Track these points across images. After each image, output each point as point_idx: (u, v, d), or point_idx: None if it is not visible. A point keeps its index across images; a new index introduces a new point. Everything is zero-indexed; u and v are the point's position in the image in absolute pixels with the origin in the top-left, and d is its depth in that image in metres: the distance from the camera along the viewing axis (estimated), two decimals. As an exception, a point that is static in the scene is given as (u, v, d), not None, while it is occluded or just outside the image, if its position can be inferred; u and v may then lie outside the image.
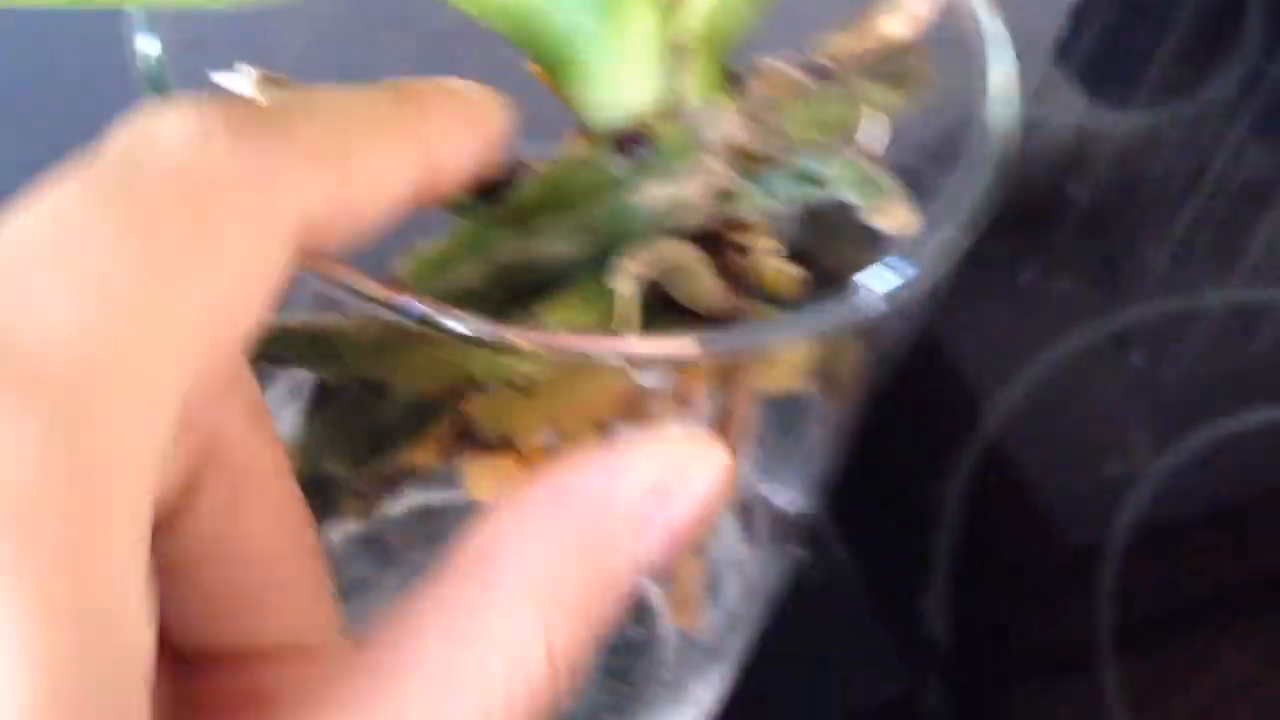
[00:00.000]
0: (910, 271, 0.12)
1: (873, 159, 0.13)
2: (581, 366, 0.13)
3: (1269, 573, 0.33)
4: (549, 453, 0.15)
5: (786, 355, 0.15)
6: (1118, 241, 0.39)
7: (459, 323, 0.11)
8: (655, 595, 0.22)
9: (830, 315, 0.12)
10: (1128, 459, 0.34)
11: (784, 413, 0.18)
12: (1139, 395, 0.36)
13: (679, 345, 0.12)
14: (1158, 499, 0.33)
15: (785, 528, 0.20)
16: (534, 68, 0.14)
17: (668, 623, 0.22)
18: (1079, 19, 0.45)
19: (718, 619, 0.21)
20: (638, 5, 0.13)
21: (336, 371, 0.13)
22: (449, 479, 0.16)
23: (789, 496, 0.20)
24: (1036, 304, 0.37)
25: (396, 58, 0.14)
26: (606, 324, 0.13)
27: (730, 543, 0.20)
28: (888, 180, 0.12)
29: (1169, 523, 0.33)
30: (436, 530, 0.19)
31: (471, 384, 0.13)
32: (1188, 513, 0.34)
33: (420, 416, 0.13)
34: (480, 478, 0.16)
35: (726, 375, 0.14)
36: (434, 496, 0.21)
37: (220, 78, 0.13)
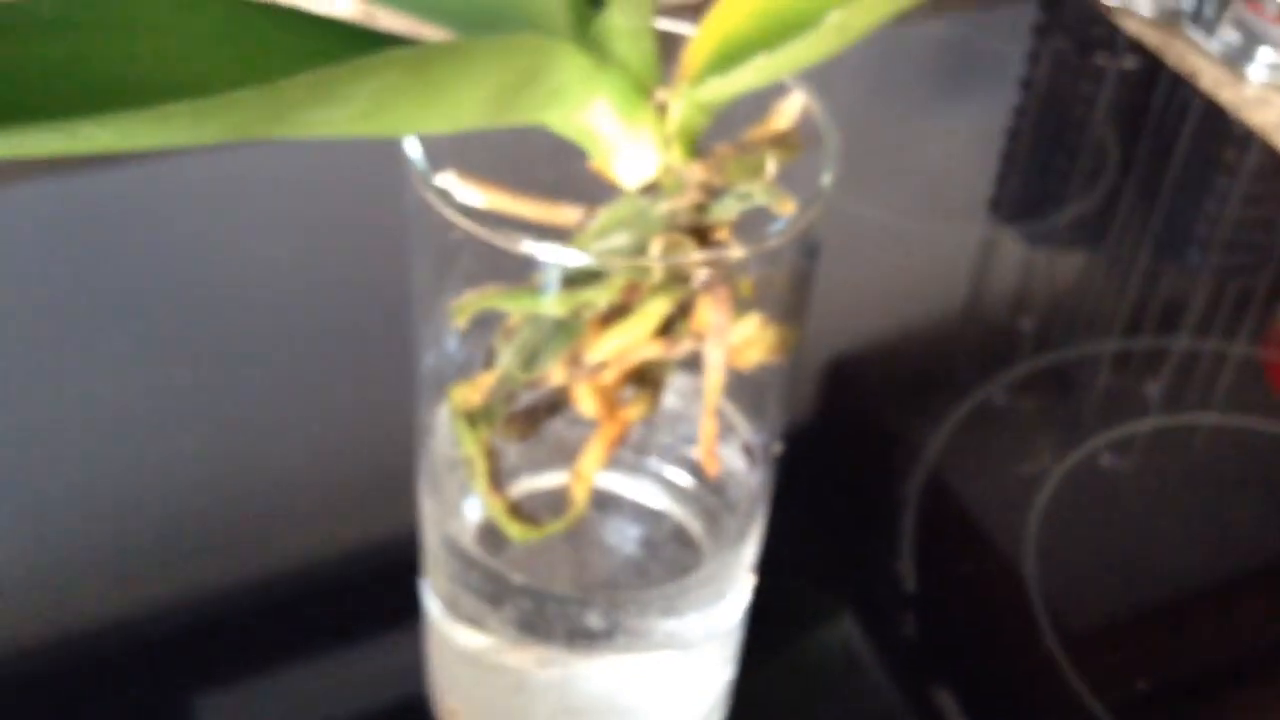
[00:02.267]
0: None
1: (773, 183, 0.25)
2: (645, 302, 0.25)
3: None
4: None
5: (752, 335, 0.28)
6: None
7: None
8: (695, 528, 0.34)
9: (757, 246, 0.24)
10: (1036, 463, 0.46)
11: (757, 382, 0.30)
12: (1045, 421, 0.48)
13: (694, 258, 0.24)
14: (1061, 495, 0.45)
15: (767, 454, 0.32)
16: (593, 162, 0.27)
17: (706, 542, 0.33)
18: (1003, 178, 0.59)
19: (735, 519, 0.32)
20: (645, 120, 0.25)
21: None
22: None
23: (766, 433, 0.31)
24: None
25: (522, 153, 0.27)
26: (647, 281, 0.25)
27: (740, 468, 0.32)
28: (780, 191, 0.25)
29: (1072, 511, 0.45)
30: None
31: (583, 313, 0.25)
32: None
33: (558, 339, 0.25)
34: (585, 396, 0.27)
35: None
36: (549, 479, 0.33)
37: (440, 179, 0.25)
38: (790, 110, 0.27)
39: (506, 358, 0.25)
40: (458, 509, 0.32)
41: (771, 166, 0.26)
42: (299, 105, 0.19)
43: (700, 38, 0.26)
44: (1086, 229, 0.58)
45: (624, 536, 0.33)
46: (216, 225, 0.52)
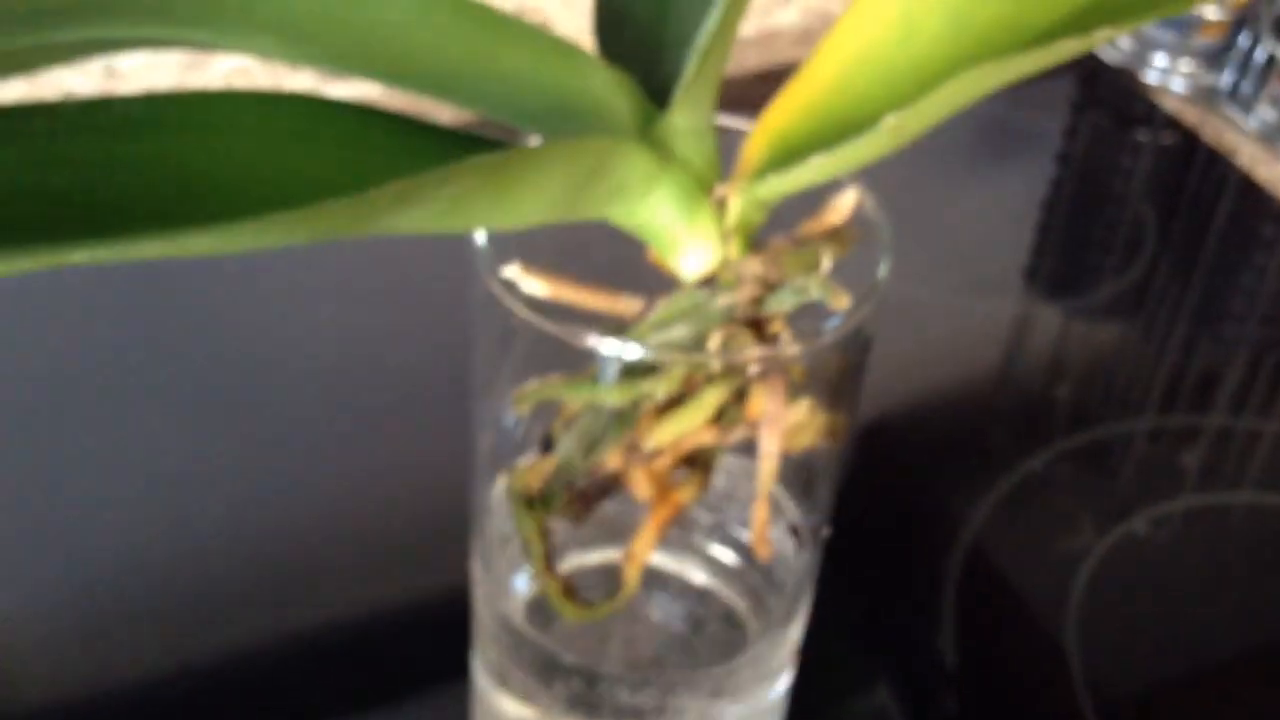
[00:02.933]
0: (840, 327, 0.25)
1: (828, 278, 0.26)
2: (701, 391, 0.25)
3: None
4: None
5: (804, 420, 0.28)
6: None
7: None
8: (742, 607, 0.34)
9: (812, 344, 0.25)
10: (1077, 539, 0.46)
11: (807, 466, 0.31)
12: (1083, 497, 0.48)
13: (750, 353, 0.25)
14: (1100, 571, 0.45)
15: (816, 536, 0.32)
16: (652, 254, 0.27)
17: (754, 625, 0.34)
18: (1040, 252, 0.60)
19: (781, 600, 0.33)
20: (704, 216, 0.26)
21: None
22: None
23: (816, 518, 0.32)
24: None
25: (585, 247, 0.28)
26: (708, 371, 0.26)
27: (788, 550, 0.32)
28: (835, 286, 0.25)
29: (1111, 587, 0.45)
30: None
31: (640, 405, 0.26)
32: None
33: (616, 427, 0.26)
34: (639, 481, 0.28)
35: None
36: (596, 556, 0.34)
37: (505, 271, 0.26)
38: (844, 206, 0.27)
39: (567, 446, 0.26)
40: (509, 585, 0.33)
41: (826, 261, 0.27)
42: (384, 211, 0.20)
43: (757, 135, 0.27)
44: (1124, 303, 0.58)
45: (672, 615, 0.33)
46: (278, 295, 0.53)
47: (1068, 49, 0.25)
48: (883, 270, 0.26)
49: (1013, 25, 0.28)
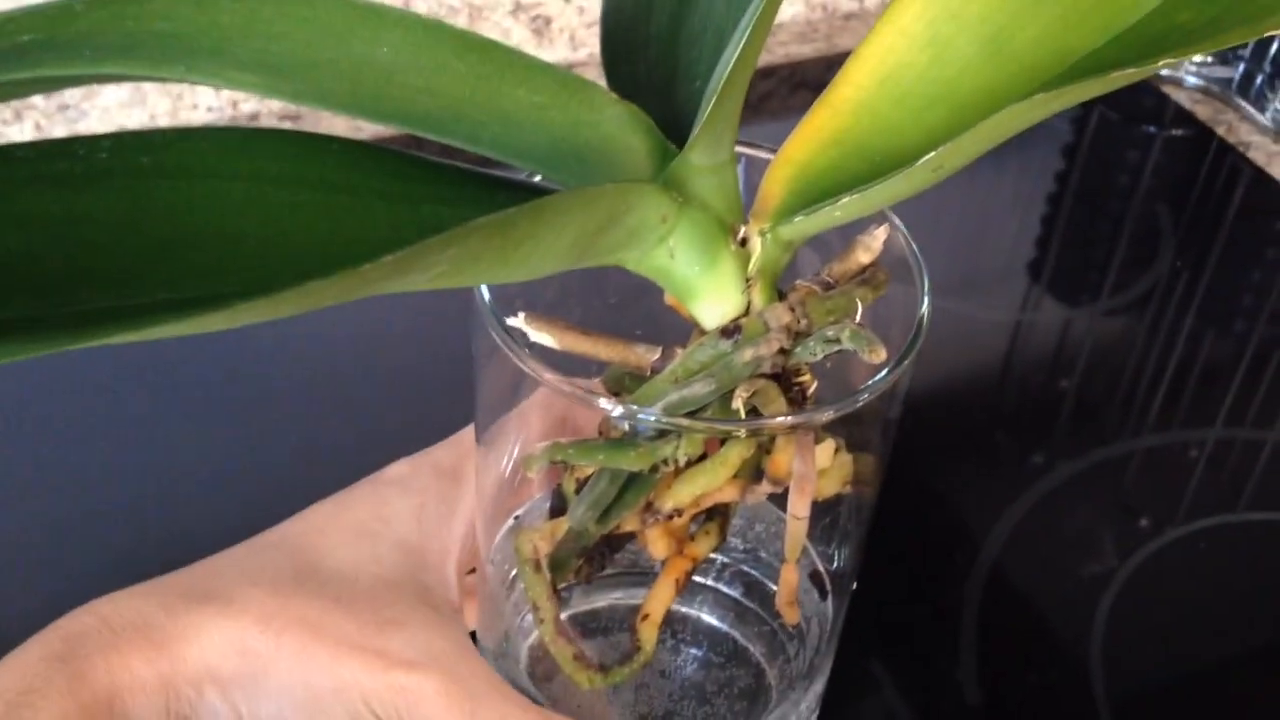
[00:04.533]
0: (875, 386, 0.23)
1: (862, 325, 0.24)
2: (724, 448, 0.23)
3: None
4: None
5: (830, 466, 0.26)
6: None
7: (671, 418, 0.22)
8: (760, 655, 0.32)
9: (845, 403, 0.23)
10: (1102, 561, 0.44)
11: (832, 511, 0.29)
12: (1107, 515, 0.46)
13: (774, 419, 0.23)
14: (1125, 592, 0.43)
15: (841, 585, 0.30)
16: (670, 299, 0.25)
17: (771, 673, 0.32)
18: (1044, 246, 0.57)
19: (807, 652, 0.31)
20: (725, 260, 0.24)
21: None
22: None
23: (841, 566, 0.30)
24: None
25: (600, 295, 0.26)
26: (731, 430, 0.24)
27: (812, 599, 0.30)
28: (871, 335, 0.23)
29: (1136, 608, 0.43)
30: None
31: (656, 469, 0.24)
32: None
33: (632, 491, 0.24)
34: (656, 540, 0.26)
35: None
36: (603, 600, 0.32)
37: (511, 320, 0.24)
38: (874, 245, 0.25)
39: (581, 511, 0.24)
40: (512, 636, 0.31)
41: (859, 307, 0.25)
42: (386, 278, 0.18)
43: (778, 168, 0.25)
44: (1135, 301, 0.56)
45: (687, 664, 0.32)
46: (277, 334, 0.51)
47: (1123, 78, 0.23)
48: (923, 316, 0.24)
49: (1055, 49, 0.26)
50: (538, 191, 0.25)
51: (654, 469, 0.23)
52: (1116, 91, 0.77)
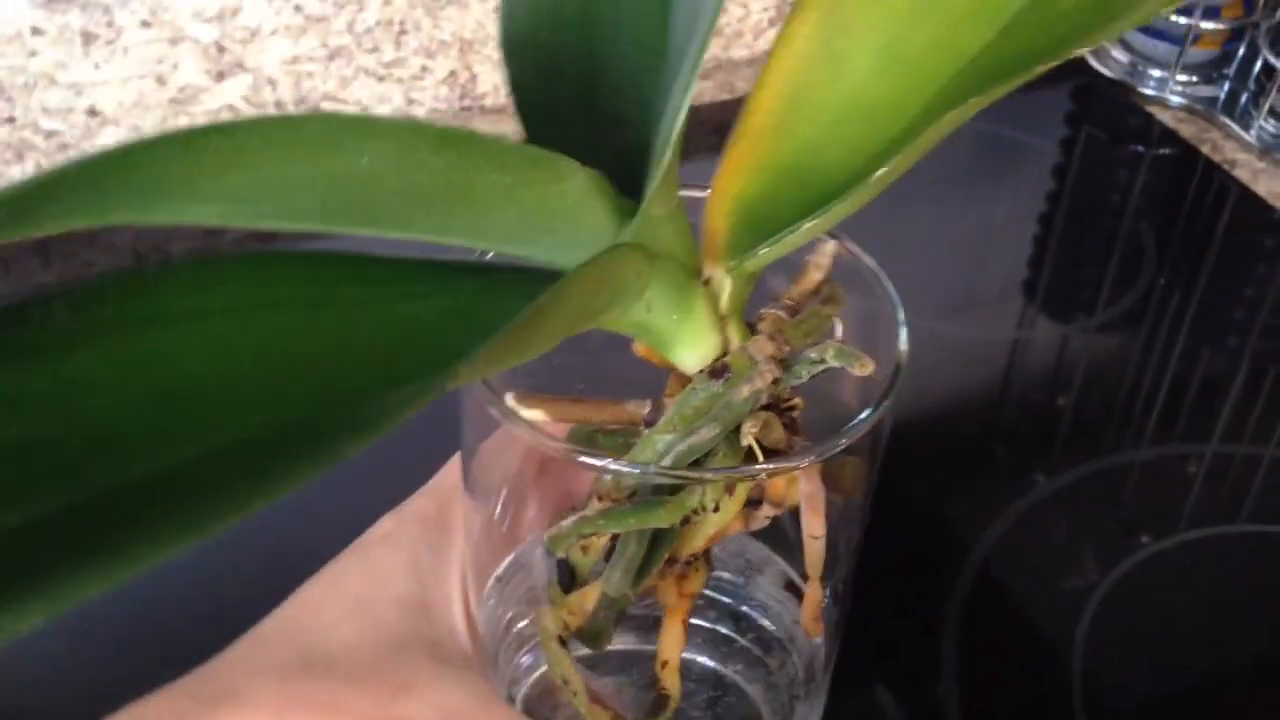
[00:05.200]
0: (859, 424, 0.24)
1: (844, 341, 0.24)
2: (733, 493, 0.24)
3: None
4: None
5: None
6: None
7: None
8: (760, 695, 0.33)
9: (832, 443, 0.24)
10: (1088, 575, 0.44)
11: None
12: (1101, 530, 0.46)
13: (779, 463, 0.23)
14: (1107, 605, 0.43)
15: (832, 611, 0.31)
16: (641, 350, 0.25)
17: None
18: (1037, 266, 0.59)
19: (802, 672, 0.31)
20: (699, 305, 0.24)
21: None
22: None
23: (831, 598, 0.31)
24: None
25: (582, 352, 0.26)
26: (739, 462, 0.24)
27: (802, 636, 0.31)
28: (854, 350, 0.24)
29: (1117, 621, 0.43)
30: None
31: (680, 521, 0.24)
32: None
33: (661, 547, 0.24)
34: (668, 588, 0.26)
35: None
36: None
37: (506, 397, 0.24)
38: (824, 261, 0.26)
39: (618, 577, 0.24)
40: (508, 681, 0.31)
41: (836, 324, 0.25)
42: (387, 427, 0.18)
43: (717, 203, 0.26)
44: (1126, 319, 0.56)
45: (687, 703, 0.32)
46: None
47: (1045, 69, 0.24)
48: (901, 352, 0.25)
49: (948, 49, 0.27)
50: (491, 270, 0.25)
51: (685, 521, 0.24)
52: (1103, 112, 0.79)
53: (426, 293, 0.23)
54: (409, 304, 0.23)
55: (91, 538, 0.16)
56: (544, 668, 0.30)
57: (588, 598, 0.25)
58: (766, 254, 0.24)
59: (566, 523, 0.24)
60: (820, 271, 0.26)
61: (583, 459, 0.23)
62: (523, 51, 0.28)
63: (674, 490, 0.24)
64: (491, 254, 0.25)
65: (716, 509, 0.23)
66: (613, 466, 0.23)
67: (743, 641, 0.32)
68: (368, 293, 0.23)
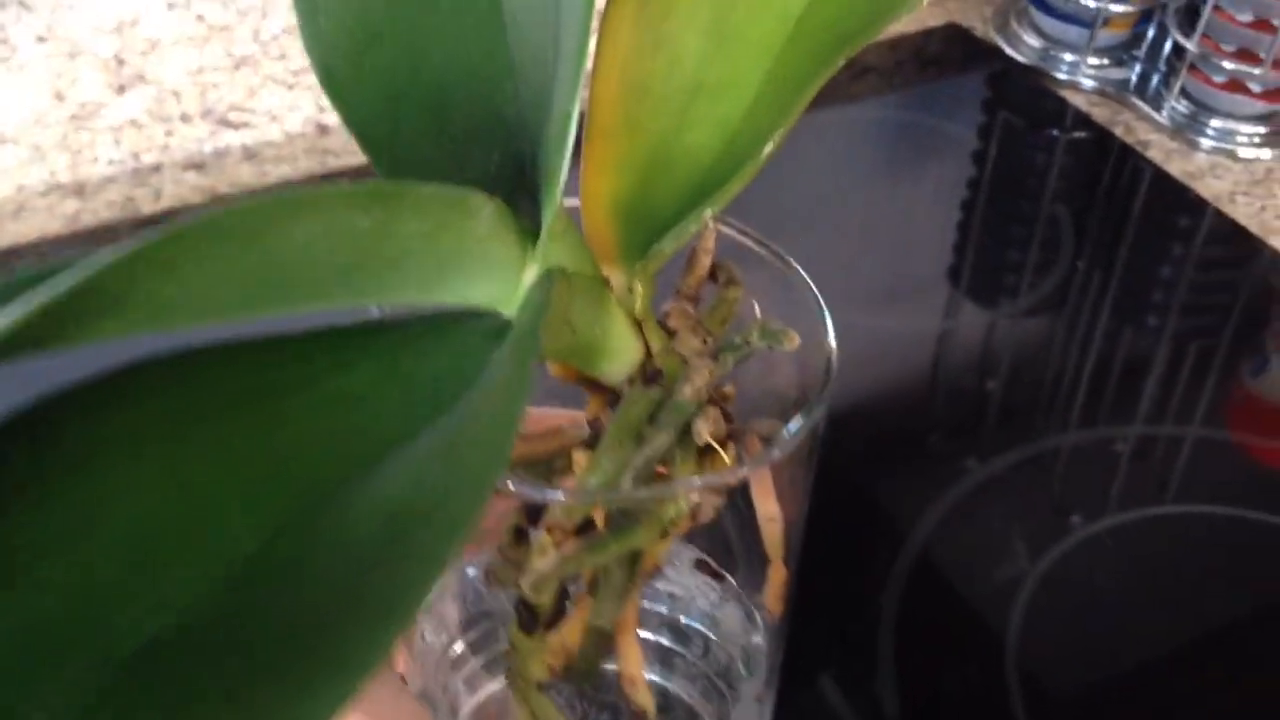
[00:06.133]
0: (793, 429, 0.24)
1: (766, 323, 0.24)
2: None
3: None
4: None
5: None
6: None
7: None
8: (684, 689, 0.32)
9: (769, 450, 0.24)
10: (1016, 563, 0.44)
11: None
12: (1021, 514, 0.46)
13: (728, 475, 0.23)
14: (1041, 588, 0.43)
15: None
16: (556, 370, 0.25)
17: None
18: (960, 252, 0.58)
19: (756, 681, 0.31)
20: (616, 314, 0.24)
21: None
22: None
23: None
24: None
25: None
26: (695, 461, 0.23)
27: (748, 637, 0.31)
28: (778, 326, 0.24)
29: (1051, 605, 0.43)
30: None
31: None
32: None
33: (637, 566, 0.23)
34: (633, 606, 0.26)
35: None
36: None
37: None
38: (709, 243, 0.26)
39: (608, 607, 0.23)
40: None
41: (754, 305, 0.25)
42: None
43: (592, 209, 0.25)
44: (1047, 301, 0.57)
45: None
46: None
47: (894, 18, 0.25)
48: (830, 357, 0.25)
49: (773, 15, 0.27)
50: (400, 324, 0.23)
51: (663, 534, 0.23)
52: (1018, 98, 0.80)
53: (348, 361, 0.22)
54: (335, 378, 0.21)
55: None
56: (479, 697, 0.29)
57: (571, 637, 0.24)
58: (668, 249, 0.24)
59: (548, 566, 0.23)
60: (708, 255, 0.26)
61: (536, 496, 0.22)
62: (348, 86, 0.26)
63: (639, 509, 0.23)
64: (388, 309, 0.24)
65: (694, 515, 0.23)
66: (599, 496, 0.22)
67: (654, 637, 0.31)
68: (292, 374, 0.21)
